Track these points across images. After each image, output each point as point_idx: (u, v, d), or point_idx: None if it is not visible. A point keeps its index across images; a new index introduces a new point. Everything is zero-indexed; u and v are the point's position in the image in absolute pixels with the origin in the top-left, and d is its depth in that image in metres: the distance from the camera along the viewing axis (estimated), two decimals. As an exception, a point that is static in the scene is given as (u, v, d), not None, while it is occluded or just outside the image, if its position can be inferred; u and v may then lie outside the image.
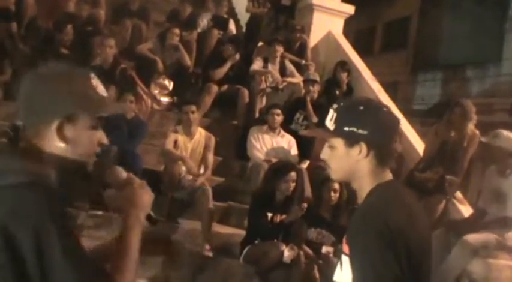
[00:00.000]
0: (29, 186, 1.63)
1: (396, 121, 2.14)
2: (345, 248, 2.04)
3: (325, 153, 2.17)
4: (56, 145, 1.76)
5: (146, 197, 1.91)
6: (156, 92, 8.29)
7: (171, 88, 8.35)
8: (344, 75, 9.22)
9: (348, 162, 2.10)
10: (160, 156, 7.04)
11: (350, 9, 10.63)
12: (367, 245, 1.92)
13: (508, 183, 6.12)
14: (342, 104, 2.16)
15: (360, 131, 2.06)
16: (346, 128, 2.08)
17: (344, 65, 9.33)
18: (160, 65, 8.58)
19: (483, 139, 6.29)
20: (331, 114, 2.12)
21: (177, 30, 8.80)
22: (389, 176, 2.14)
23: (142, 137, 6.98)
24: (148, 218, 1.93)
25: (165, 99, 8.35)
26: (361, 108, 2.10)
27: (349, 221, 2.10)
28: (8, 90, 7.68)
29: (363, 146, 2.07)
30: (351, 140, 2.08)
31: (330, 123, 2.12)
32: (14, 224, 1.56)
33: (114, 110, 1.82)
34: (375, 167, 2.10)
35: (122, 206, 1.88)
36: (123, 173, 1.93)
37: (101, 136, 1.85)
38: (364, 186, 2.12)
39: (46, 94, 1.74)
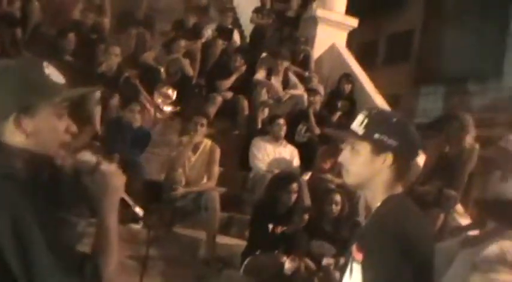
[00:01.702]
0: (4, 177, 1.64)
1: (420, 139, 2.17)
2: (357, 255, 2.05)
3: (345, 157, 2.16)
4: (17, 138, 1.73)
5: (117, 179, 1.87)
6: (159, 101, 8.29)
7: (174, 97, 8.36)
8: (348, 87, 9.25)
9: (369, 169, 2.11)
10: (162, 165, 7.05)
11: (354, 22, 10.67)
12: (384, 252, 1.95)
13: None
14: (374, 111, 2.18)
15: (390, 142, 2.08)
16: (376, 135, 2.09)
17: (348, 77, 9.36)
18: (163, 75, 8.59)
19: (501, 144, 6.25)
20: (362, 118, 2.13)
21: (182, 42, 8.82)
22: (400, 189, 2.16)
23: (145, 145, 6.98)
24: (128, 207, 1.90)
25: (168, 109, 8.35)
26: (394, 120, 2.13)
27: (353, 232, 2.14)
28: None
29: (389, 157, 2.09)
30: (379, 148, 2.09)
31: (359, 127, 2.12)
32: None
33: (71, 96, 1.76)
34: (392, 179, 2.12)
35: (95, 191, 1.84)
36: (92, 158, 1.87)
37: (68, 124, 1.81)
38: (377, 196, 2.13)
39: None
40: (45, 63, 1.80)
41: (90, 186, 1.84)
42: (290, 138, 7.93)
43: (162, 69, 8.64)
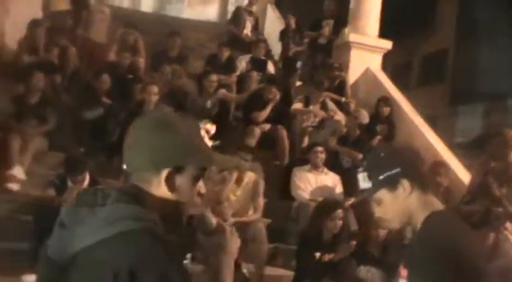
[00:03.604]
0: (149, 232, 1.66)
1: (414, 151, 2.34)
2: (403, 271, 2.07)
3: (377, 212, 2.25)
4: (162, 192, 1.77)
5: (235, 243, 1.95)
6: (206, 139, 8.35)
7: (213, 132, 8.40)
8: (386, 111, 9.19)
9: (398, 205, 2.19)
10: (206, 200, 7.06)
11: (388, 44, 10.65)
12: (431, 267, 1.97)
13: None
14: (364, 164, 2.30)
15: (394, 171, 2.18)
16: (381, 177, 2.19)
17: (386, 100, 9.32)
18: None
19: None
20: (362, 176, 2.24)
21: (214, 77, 8.89)
22: (437, 202, 2.23)
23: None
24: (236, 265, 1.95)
25: (208, 143, 8.39)
26: (382, 154, 2.26)
27: (400, 255, 2.15)
28: (53, 141, 7.80)
29: (405, 183, 2.17)
30: (392, 183, 2.18)
31: (365, 184, 2.23)
32: (140, 269, 1.58)
33: (221, 165, 1.89)
34: (421, 196, 2.19)
35: (212, 252, 1.91)
36: (213, 220, 1.95)
37: (200, 185, 1.86)
38: (419, 217, 2.16)
39: (161, 143, 1.75)
40: (200, 124, 1.85)
41: (206, 244, 1.91)
42: (334, 164, 7.88)
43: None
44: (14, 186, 7.01)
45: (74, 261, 1.65)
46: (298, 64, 11.16)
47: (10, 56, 8.98)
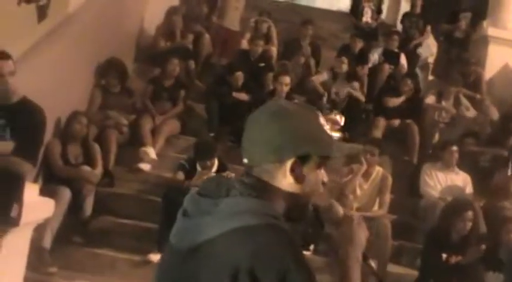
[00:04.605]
0: (269, 227, 1.63)
1: None
2: None
3: None
4: (288, 183, 1.74)
5: (363, 234, 1.90)
6: (327, 127, 8.29)
7: (342, 123, 8.34)
8: (524, 110, 8.76)
9: None
10: (331, 192, 7.04)
11: (530, 39, 10.13)
12: None
13: None
14: None
15: None
16: None
17: (525, 98, 8.89)
18: (325, 97, 8.64)
19: None
20: None
21: (344, 59, 8.83)
22: None
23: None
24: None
25: (336, 135, 8.33)
26: None
27: None
28: (185, 124, 8.02)
29: None
30: None
31: None
32: (259, 266, 1.56)
33: (350, 152, 1.86)
34: None
35: (339, 243, 1.87)
36: (340, 210, 1.91)
37: (323, 175, 1.83)
38: None
39: (283, 133, 1.72)
40: (319, 113, 1.83)
41: (335, 234, 1.88)
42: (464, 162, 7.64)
43: (326, 94, 8.67)
44: (145, 167, 7.27)
45: (195, 252, 1.65)
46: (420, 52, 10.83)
47: (148, 41, 9.30)
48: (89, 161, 6.58)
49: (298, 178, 1.73)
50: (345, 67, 8.80)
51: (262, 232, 1.60)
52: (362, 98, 8.81)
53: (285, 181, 1.73)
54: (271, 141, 1.71)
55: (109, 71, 7.68)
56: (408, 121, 8.43)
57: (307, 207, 1.81)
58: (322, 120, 1.80)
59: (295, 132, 1.72)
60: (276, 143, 1.71)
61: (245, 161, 1.77)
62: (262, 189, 1.71)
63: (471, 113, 8.70)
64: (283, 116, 1.74)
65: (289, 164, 1.72)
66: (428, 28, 10.99)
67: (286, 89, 7.79)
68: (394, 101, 8.55)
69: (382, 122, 8.41)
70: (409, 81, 8.68)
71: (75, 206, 6.12)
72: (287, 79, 7.86)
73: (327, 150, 1.79)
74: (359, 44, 9.94)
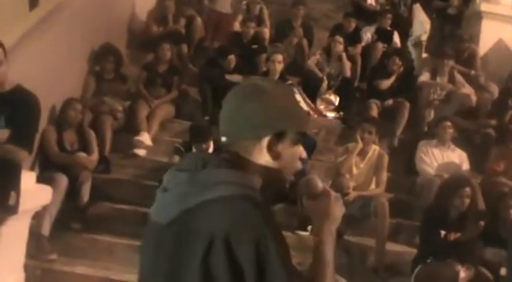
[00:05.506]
0: (245, 197, 1.66)
1: None
2: None
3: None
4: (264, 160, 1.76)
5: (339, 210, 1.91)
6: (322, 107, 8.30)
7: (337, 103, 8.33)
8: (520, 84, 8.76)
9: None
10: (327, 171, 7.04)
11: (523, 14, 10.09)
12: None
13: None
14: None
15: None
16: None
17: (521, 73, 8.87)
18: (325, 81, 8.59)
19: None
20: None
21: (341, 39, 8.78)
22: None
23: (312, 153, 6.98)
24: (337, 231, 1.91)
25: (331, 115, 8.34)
26: None
27: None
28: (179, 109, 8.00)
29: None
30: None
31: None
32: (234, 234, 1.59)
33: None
34: None
35: (315, 216, 1.86)
36: (319, 184, 1.92)
37: (301, 151, 1.85)
38: None
39: (259, 110, 1.74)
40: (293, 89, 1.85)
41: (311, 208, 1.89)
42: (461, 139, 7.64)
43: (324, 76, 8.63)
44: (140, 152, 7.26)
45: (173, 224, 1.68)
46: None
47: (141, 27, 9.26)
48: (85, 147, 6.57)
49: (275, 155, 1.75)
50: (341, 47, 8.75)
51: (238, 202, 1.64)
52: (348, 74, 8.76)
53: (262, 158, 1.75)
54: (247, 119, 1.74)
55: (104, 57, 7.66)
56: (401, 99, 8.39)
57: (284, 184, 1.83)
58: (297, 97, 1.81)
59: (271, 110, 1.74)
60: (252, 121, 1.73)
61: (223, 139, 1.79)
62: (239, 163, 1.74)
63: (467, 89, 8.68)
64: (259, 93, 1.76)
65: (265, 140, 1.74)
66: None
67: (279, 67, 7.74)
68: (385, 83, 8.51)
69: (375, 104, 8.38)
70: (396, 60, 8.60)
71: (73, 192, 6.12)
72: (279, 57, 7.82)
73: (302, 126, 1.83)
74: (353, 24, 9.88)
